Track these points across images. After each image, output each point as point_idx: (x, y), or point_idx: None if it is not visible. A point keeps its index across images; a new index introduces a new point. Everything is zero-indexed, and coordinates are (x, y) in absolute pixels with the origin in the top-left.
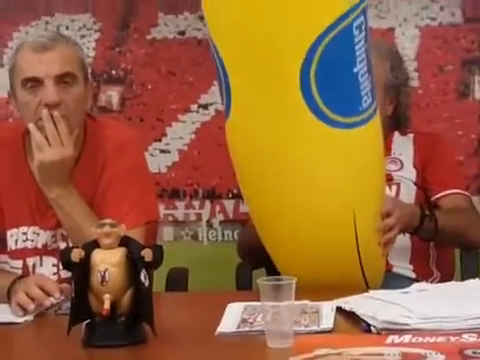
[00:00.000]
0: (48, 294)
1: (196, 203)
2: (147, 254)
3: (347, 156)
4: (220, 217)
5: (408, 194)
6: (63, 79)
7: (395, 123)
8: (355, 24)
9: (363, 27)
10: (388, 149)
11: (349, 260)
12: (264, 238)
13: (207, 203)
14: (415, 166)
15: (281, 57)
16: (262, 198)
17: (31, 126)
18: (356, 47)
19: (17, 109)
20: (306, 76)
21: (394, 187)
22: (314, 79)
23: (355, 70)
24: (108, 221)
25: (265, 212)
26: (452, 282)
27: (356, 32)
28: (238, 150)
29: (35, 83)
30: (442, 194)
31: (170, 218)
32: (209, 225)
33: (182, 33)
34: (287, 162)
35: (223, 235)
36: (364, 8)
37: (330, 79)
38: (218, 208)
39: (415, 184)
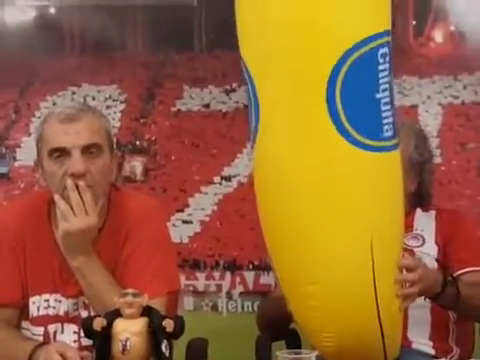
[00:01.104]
0: None
1: (216, 274)
2: (168, 324)
3: (366, 178)
4: (240, 288)
5: None
6: (89, 150)
7: (418, 200)
8: (380, 52)
9: (387, 59)
10: (410, 225)
11: (366, 303)
12: (282, 280)
13: (227, 274)
14: (437, 243)
15: (308, 73)
16: (282, 225)
17: (56, 197)
18: (380, 75)
19: (43, 178)
20: (332, 94)
21: None
22: (339, 98)
23: (378, 96)
24: (130, 291)
25: (284, 244)
26: (472, 359)
27: (381, 60)
28: (263, 173)
29: (62, 153)
30: (464, 271)
31: (190, 288)
32: (229, 296)
33: (207, 106)
34: (309, 180)
35: (243, 306)
36: (389, 42)
37: (354, 98)
38: (238, 279)
39: (437, 260)
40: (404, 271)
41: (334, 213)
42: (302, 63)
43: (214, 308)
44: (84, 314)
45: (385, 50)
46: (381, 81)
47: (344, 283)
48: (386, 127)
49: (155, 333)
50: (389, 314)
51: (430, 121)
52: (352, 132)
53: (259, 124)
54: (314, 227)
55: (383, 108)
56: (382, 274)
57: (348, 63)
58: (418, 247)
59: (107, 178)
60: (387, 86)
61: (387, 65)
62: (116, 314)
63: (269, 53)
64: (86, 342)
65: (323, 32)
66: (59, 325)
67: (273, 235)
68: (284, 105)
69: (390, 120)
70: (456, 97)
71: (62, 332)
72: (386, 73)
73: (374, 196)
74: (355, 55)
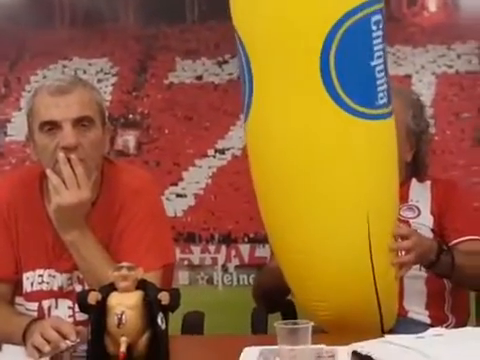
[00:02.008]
0: (64, 336)
1: (212, 247)
2: (164, 297)
3: (361, 146)
4: (235, 261)
5: None
6: (81, 122)
7: (413, 170)
8: (373, 19)
9: (381, 26)
10: (405, 196)
11: (363, 273)
12: (279, 253)
13: (223, 247)
14: (432, 213)
15: (301, 42)
16: (279, 200)
17: (48, 171)
18: (374, 42)
19: (35, 152)
20: (326, 62)
21: None
22: (333, 66)
23: (372, 64)
24: (125, 264)
25: (281, 218)
26: (467, 327)
27: (374, 27)
28: (257, 147)
29: (53, 126)
30: (459, 240)
31: (185, 262)
32: (224, 269)
33: (199, 78)
34: (305, 150)
35: (238, 280)
36: (381, 9)
37: (348, 67)
38: (234, 252)
39: (432, 231)
40: (399, 239)
41: (330, 182)
42: (295, 32)
43: (210, 281)
44: (78, 289)
45: (378, 17)
46: (375, 48)
47: (340, 252)
48: (381, 94)
49: (150, 306)
50: (385, 283)
51: (424, 91)
52: (347, 100)
53: (253, 95)
54: (310, 197)
55: (378, 75)
56: (378, 244)
57: (341, 31)
58: (413, 218)
59: (99, 151)
60: (381, 53)
61: (380, 32)
62: (111, 288)
63: (262, 23)
64: (81, 317)
65: (315, 0)
66: (53, 300)
67: (268, 208)
68: (278, 75)
69: (384, 87)
70: (450, 66)
71: (56, 307)
72: (380, 40)
73: (370, 164)
74: (348, 23)
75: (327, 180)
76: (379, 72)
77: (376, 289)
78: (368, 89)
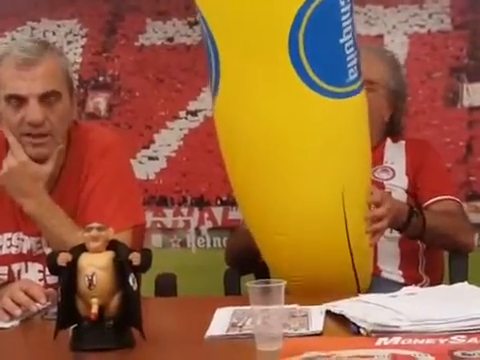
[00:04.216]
0: (34, 299)
1: (184, 210)
2: (135, 258)
3: (334, 125)
4: (209, 224)
5: None
6: (47, 97)
7: (389, 130)
8: None
9: (348, 0)
10: (380, 157)
11: (338, 245)
12: (253, 227)
13: (196, 210)
14: (407, 173)
15: (270, 22)
16: (251, 177)
17: (8, 134)
18: (343, 18)
19: None
20: (295, 43)
21: None
22: (302, 46)
23: (341, 41)
24: (95, 225)
25: (254, 192)
26: (440, 286)
27: (342, 2)
28: (226, 126)
29: (19, 100)
30: (433, 200)
31: (158, 225)
32: (197, 232)
33: (170, 39)
34: (276, 131)
35: (212, 242)
36: None
37: (317, 46)
38: (207, 215)
39: (406, 192)
40: (372, 207)
41: (304, 164)
42: (263, 12)
43: (183, 244)
44: (48, 252)
45: None
46: (344, 24)
47: (316, 234)
48: (351, 70)
49: (121, 267)
50: (361, 251)
51: (396, 51)
52: (316, 80)
53: (220, 76)
54: (283, 179)
55: (347, 51)
56: (352, 215)
57: (310, 10)
58: (388, 180)
59: (66, 122)
60: (350, 28)
61: (348, 7)
62: (81, 249)
63: (229, 6)
64: (52, 280)
65: None
66: (23, 264)
67: (241, 190)
68: (245, 56)
69: (354, 62)
70: (422, 26)
71: (26, 271)
72: (348, 15)
73: (343, 142)
74: (316, 2)
75: (301, 161)
76: (348, 48)
77: (352, 257)
78: (338, 67)
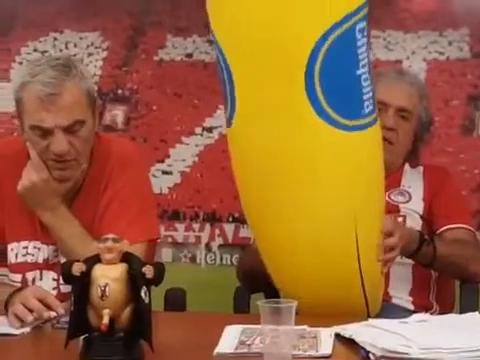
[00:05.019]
0: (50, 308)
1: (196, 226)
2: (148, 271)
3: (348, 159)
4: (219, 241)
5: (414, 227)
6: (72, 127)
7: (408, 156)
8: (358, 27)
9: (365, 33)
10: (398, 180)
11: (350, 273)
12: (264, 250)
13: (207, 226)
14: (424, 199)
15: (286, 55)
16: (263, 204)
17: (32, 152)
18: (359, 51)
19: (22, 130)
20: (311, 76)
21: (400, 219)
22: (318, 79)
23: (358, 73)
24: (111, 236)
25: (265, 218)
26: (451, 314)
27: (359, 35)
28: (240, 155)
29: (43, 130)
30: (446, 227)
31: (169, 239)
32: (208, 248)
33: (190, 55)
34: (290, 163)
35: (221, 259)
36: (365, 15)
37: (334, 80)
38: (218, 231)
39: (421, 217)
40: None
41: (316, 195)
42: (280, 45)
43: (193, 260)
44: (64, 261)
45: (363, 24)
46: (360, 57)
47: (327, 260)
48: (366, 103)
49: (134, 279)
50: (371, 278)
51: None
52: (332, 114)
53: (235, 104)
54: (296, 209)
55: (363, 84)
56: (364, 241)
57: (327, 43)
58: (404, 203)
59: (90, 142)
60: (366, 61)
61: (365, 39)
62: (95, 259)
63: (244, 35)
64: (65, 289)
65: (302, 12)
66: (38, 272)
67: (252, 216)
68: (262, 91)
69: (370, 95)
70: (441, 53)
71: (41, 279)
72: (364, 48)
73: (356, 174)
74: (334, 35)
75: (313, 192)
76: (365, 80)
77: (362, 283)
78: (354, 100)
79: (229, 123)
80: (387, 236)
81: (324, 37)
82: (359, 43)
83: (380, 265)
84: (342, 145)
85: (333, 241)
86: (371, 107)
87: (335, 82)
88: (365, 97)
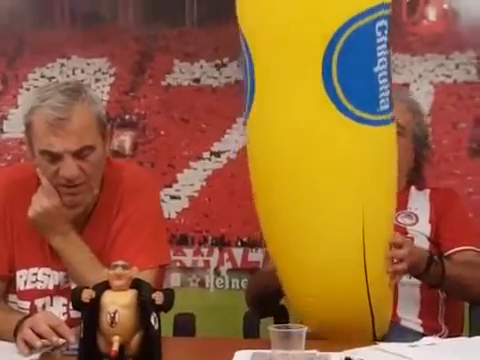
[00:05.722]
0: (61, 336)
1: (204, 250)
2: (158, 297)
3: (363, 151)
4: (228, 265)
5: None
6: (82, 152)
7: (413, 177)
8: (378, 25)
9: (386, 32)
10: (404, 203)
11: (357, 289)
12: (275, 257)
13: (216, 250)
14: (431, 221)
15: (304, 46)
16: (276, 196)
17: (42, 178)
18: (378, 48)
19: (32, 156)
20: (328, 66)
21: None
22: (336, 70)
23: (375, 70)
24: (120, 263)
25: (276, 212)
26: (461, 338)
27: (379, 33)
28: (257, 147)
29: (52, 155)
30: (454, 250)
31: (178, 264)
32: (216, 273)
33: (197, 80)
34: (307, 155)
35: (230, 283)
36: (388, 15)
37: (351, 72)
38: (226, 256)
39: (429, 239)
40: (393, 248)
41: (330, 187)
42: (298, 37)
43: (201, 284)
44: (74, 287)
45: (383, 23)
46: (379, 54)
47: (334, 256)
48: (382, 101)
49: (144, 306)
50: (378, 290)
51: (421, 100)
52: (348, 105)
53: (254, 98)
54: (307, 200)
55: (380, 82)
56: (372, 250)
57: (344, 37)
58: (411, 225)
59: (101, 168)
60: (385, 60)
61: (385, 38)
62: (105, 286)
63: (266, 26)
64: (75, 314)
65: (320, 6)
66: (48, 298)
67: (266, 211)
68: (280, 79)
69: (387, 94)
70: (448, 76)
71: (51, 304)
72: (384, 46)
73: (368, 169)
74: (352, 29)
75: (325, 184)
76: (382, 78)
77: (369, 296)
78: (370, 95)
79: (246, 117)
80: (396, 248)
81: (343, 28)
82: (378, 40)
83: (388, 277)
84: (357, 137)
85: (340, 242)
86: (387, 106)
87: (352, 75)
88: (381, 95)
